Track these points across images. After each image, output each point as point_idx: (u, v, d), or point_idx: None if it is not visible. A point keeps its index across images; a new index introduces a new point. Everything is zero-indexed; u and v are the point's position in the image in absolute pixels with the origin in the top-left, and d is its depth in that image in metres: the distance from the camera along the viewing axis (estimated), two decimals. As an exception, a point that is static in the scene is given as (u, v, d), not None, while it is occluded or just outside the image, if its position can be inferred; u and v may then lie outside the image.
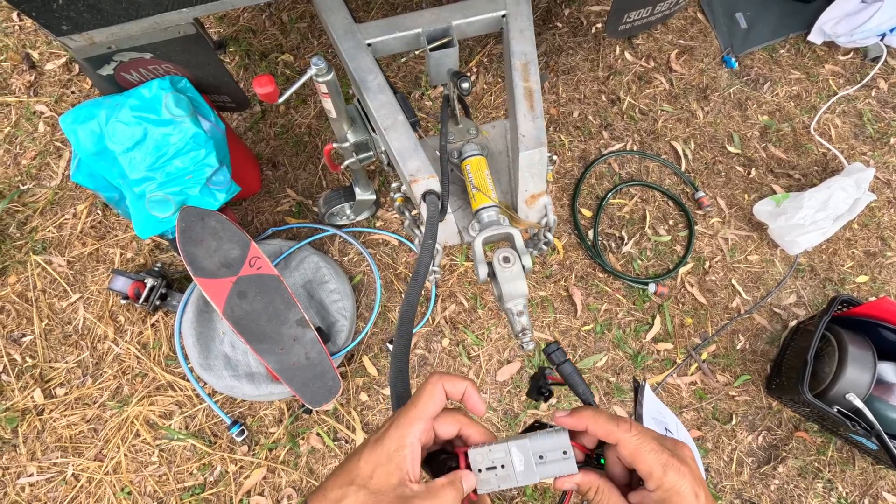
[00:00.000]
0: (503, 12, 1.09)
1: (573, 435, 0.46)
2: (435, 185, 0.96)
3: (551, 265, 1.60)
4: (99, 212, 1.65)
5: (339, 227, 1.63)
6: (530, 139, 0.98)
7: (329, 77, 1.00)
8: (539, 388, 0.57)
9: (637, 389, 0.64)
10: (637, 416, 0.61)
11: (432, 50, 1.06)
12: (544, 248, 1.13)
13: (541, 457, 0.45)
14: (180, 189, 1.29)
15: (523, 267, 0.94)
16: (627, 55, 1.88)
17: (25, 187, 1.67)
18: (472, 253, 0.98)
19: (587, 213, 1.66)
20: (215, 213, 1.35)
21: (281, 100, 0.96)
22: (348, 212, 1.59)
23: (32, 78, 1.81)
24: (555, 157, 1.11)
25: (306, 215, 1.66)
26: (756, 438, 1.46)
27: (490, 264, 0.94)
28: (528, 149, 0.97)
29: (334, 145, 1.20)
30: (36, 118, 1.76)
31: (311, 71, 0.97)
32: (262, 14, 1.91)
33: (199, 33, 1.13)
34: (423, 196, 0.96)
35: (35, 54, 1.85)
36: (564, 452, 0.44)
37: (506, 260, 0.93)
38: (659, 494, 0.40)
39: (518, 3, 1.10)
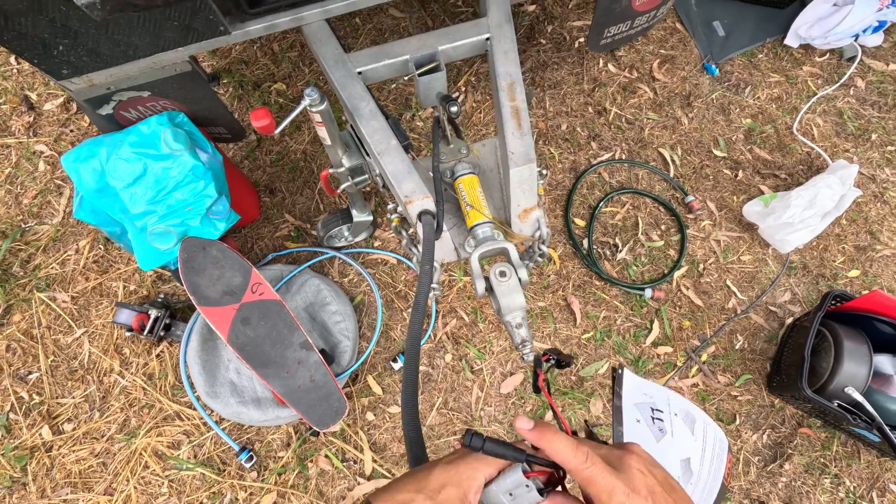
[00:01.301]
0: (487, 35, 1.14)
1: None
2: (430, 205, 0.99)
3: (548, 276, 1.63)
4: (101, 246, 1.68)
5: (338, 248, 1.65)
6: (519, 156, 1.01)
7: (322, 107, 1.03)
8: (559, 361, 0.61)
9: (615, 379, 0.66)
10: (615, 409, 0.63)
11: (421, 75, 1.10)
12: (540, 259, 1.16)
13: (510, 494, 0.49)
14: (181, 221, 1.32)
15: (520, 280, 0.96)
16: (611, 67, 1.93)
17: (27, 226, 1.69)
18: (470, 268, 1.01)
19: (581, 222, 1.70)
20: (216, 243, 1.37)
21: (277, 131, 1.00)
22: (346, 234, 1.62)
23: (31, 119, 1.85)
24: (545, 171, 1.15)
25: (305, 239, 1.69)
26: (761, 437, 1.47)
27: (487, 279, 0.97)
28: (517, 165, 1.00)
29: (330, 171, 1.23)
30: (36, 158, 1.80)
31: (305, 102, 1.01)
32: (253, 45, 1.96)
33: (194, 70, 1.17)
34: (419, 216, 0.98)
35: (33, 95, 1.89)
36: (527, 486, 0.48)
37: (502, 274, 0.95)
38: None
39: (501, 26, 1.14)
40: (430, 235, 0.94)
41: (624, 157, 1.78)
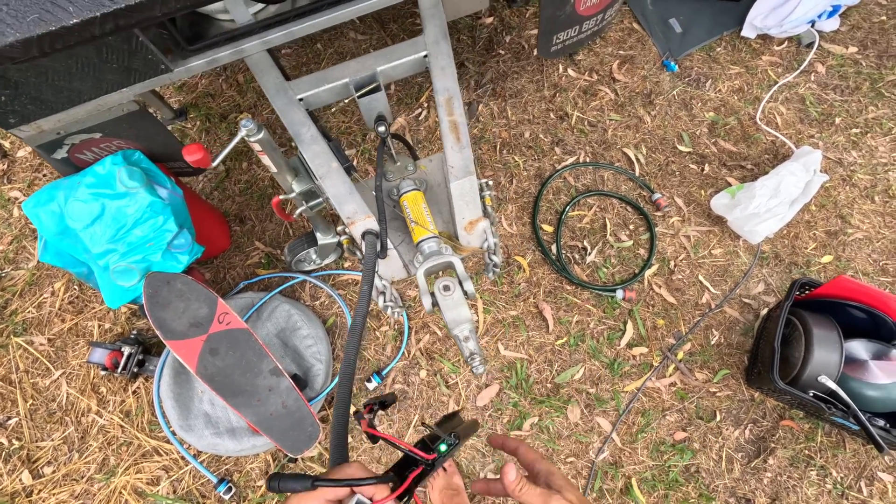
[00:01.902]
0: (424, 53, 1.15)
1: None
2: (372, 224, 0.99)
3: (519, 284, 1.63)
4: (76, 287, 1.69)
5: (307, 272, 1.66)
6: (459, 169, 1.02)
7: (261, 135, 1.05)
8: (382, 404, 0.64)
9: None
10: None
11: (360, 97, 1.12)
12: (496, 269, 1.16)
13: None
14: (143, 257, 1.33)
15: (465, 293, 0.96)
16: (571, 72, 1.94)
17: (3, 272, 1.71)
18: (418, 284, 1.01)
19: (548, 228, 1.69)
20: (180, 276, 1.38)
21: (214, 163, 1.01)
22: (314, 257, 1.63)
23: (5, 166, 1.89)
24: (490, 182, 1.15)
25: (276, 265, 1.70)
26: (743, 432, 1.45)
27: (433, 294, 0.97)
28: (457, 178, 1.01)
29: (281, 197, 1.24)
30: (10, 204, 1.83)
31: (241, 133, 1.02)
32: (218, 78, 2.00)
33: (142, 109, 1.19)
34: (362, 236, 0.99)
35: (6, 143, 1.93)
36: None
37: (446, 288, 0.95)
38: None
39: (437, 43, 1.15)
40: (371, 254, 0.94)
41: (588, 159, 1.79)
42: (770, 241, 1.65)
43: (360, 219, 0.99)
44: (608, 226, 1.69)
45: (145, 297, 1.34)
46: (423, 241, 1.04)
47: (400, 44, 1.16)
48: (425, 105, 1.90)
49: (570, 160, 1.79)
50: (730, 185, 1.73)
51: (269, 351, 1.39)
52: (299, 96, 1.12)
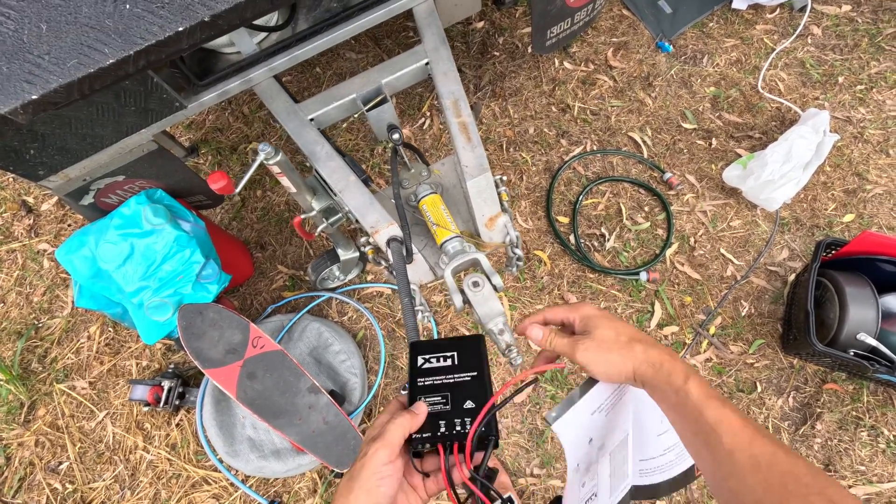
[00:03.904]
0: (426, 61, 1.18)
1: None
2: (396, 231, 1.02)
3: (541, 277, 1.63)
4: (110, 329, 1.74)
5: (332, 289, 1.69)
6: (473, 168, 1.04)
7: (278, 158, 1.08)
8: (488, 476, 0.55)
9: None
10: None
11: (368, 110, 1.15)
12: (519, 263, 1.17)
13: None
14: (174, 290, 1.37)
15: (494, 287, 0.97)
16: (567, 64, 1.96)
17: (41, 322, 1.77)
18: (446, 285, 1.02)
19: (564, 219, 1.70)
20: (212, 305, 1.42)
21: (237, 189, 1.04)
22: (337, 273, 1.66)
23: (31, 221, 1.95)
24: (504, 178, 1.17)
25: (301, 286, 1.73)
26: (787, 401, 1.43)
27: (463, 291, 0.98)
28: (473, 177, 1.03)
29: (302, 216, 1.27)
30: (41, 257, 1.88)
31: (260, 157, 1.06)
32: (224, 112, 2.05)
33: (160, 148, 1.23)
34: (388, 243, 1.01)
35: (30, 199, 2.00)
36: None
37: (475, 284, 0.97)
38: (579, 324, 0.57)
39: (437, 49, 1.18)
40: (399, 262, 0.96)
41: (595, 147, 1.80)
42: (788, 206, 1.64)
43: (383, 227, 1.01)
44: (623, 210, 1.70)
45: (180, 329, 1.38)
46: (446, 241, 1.06)
47: (401, 55, 1.19)
48: (428, 114, 1.94)
49: (578, 150, 1.80)
50: (740, 156, 1.73)
51: (305, 370, 1.41)
52: (310, 116, 1.16)
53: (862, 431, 1.37)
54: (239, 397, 1.35)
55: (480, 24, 2.07)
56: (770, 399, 1.43)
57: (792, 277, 1.54)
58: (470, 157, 1.05)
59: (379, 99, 1.15)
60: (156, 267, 1.32)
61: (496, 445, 0.52)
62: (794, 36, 1.89)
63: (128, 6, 0.56)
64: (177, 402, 1.53)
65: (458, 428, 0.51)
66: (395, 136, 1.03)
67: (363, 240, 1.18)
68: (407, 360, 1.56)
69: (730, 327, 1.52)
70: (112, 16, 0.56)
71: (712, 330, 1.52)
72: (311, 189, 1.26)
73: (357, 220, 1.12)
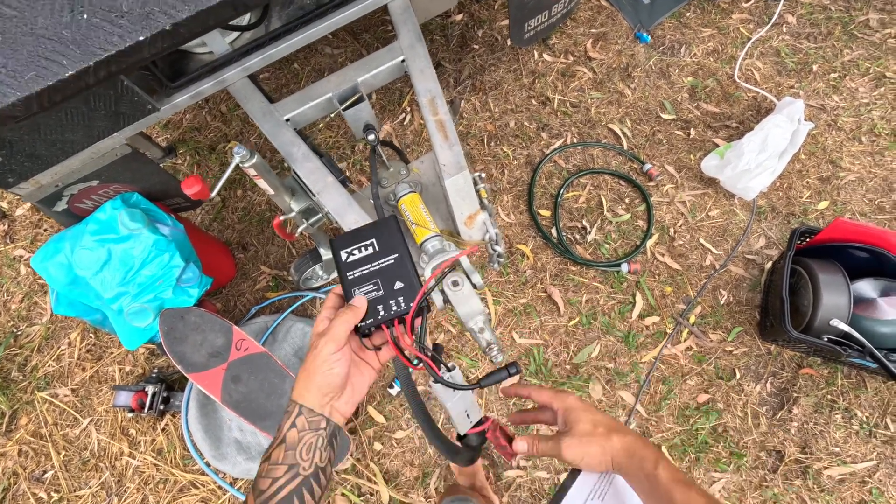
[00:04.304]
0: (402, 58, 1.17)
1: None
2: (375, 231, 1.01)
3: (524, 271, 1.65)
4: (91, 335, 1.72)
5: (316, 289, 1.68)
6: (451, 166, 1.04)
7: (254, 160, 1.07)
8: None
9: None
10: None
11: (345, 109, 1.14)
12: (500, 259, 1.18)
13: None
14: (154, 295, 1.35)
15: (474, 286, 0.98)
16: (546, 56, 1.96)
17: (19, 330, 1.74)
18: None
19: (546, 213, 1.71)
20: (194, 309, 1.40)
21: (213, 193, 1.03)
22: (320, 272, 1.65)
23: (6, 226, 1.91)
24: (483, 175, 1.17)
25: (284, 286, 1.72)
26: (764, 386, 1.46)
27: (443, 291, 0.99)
28: (451, 175, 1.03)
29: (282, 217, 1.26)
30: (17, 263, 1.85)
31: (235, 160, 1.04)
32: (202, 111, 2.02)
33: (135, 151, 1.21)
34: (367, 244, 1.01)
35: (4, 204, 1.95)
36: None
37: (455, 283, 0.97)
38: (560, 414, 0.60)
39: (413, 46, 1.17)
40: None
41: (575, 140, 1.81)
42: (765, 195, 1.67)
43: (362, 228, 1.01)
44: (604, 202, 1.71)
45: (162, 335, 1.37)
46: (426, 241, 1.06)
47: (376, 52, 1.18)
48: (408, 109, 1.92)
49: (558, 143, 1.81)
50: (717, 146, 1.75)
51: (290, 371, 1.41)
52: (286, 117, 1.14)
53: (836, 414, 1.41)
54: (224, 401, 1.35)
55: (459, 17, 2.06)
56: (749, 385, 1.47)
57: (769, 265, 1.58)
58: (447, 156, 1.04)
59: (355, 98, 1.14)
60: (134, 272, 1.31)
61: (428, 311, 0.61)
62: (770, 25, 1.91)
63: (85, 16, 0.54)
64: (161, 407, 1.52)
65: (395, 308, 0.58)
66: (371, 136, 1.02)
67: (343, 240, 1.17)
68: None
69: (709, 316, 1.55)
70: (69, 26, 0.54)
71: (692, 319, 1.55)
72: (289, 190, 1.25)
73: (336, 221, 1.11)
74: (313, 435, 0.52)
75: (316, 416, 0.52)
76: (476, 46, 2.00)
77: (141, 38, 0.58)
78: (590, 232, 1.67)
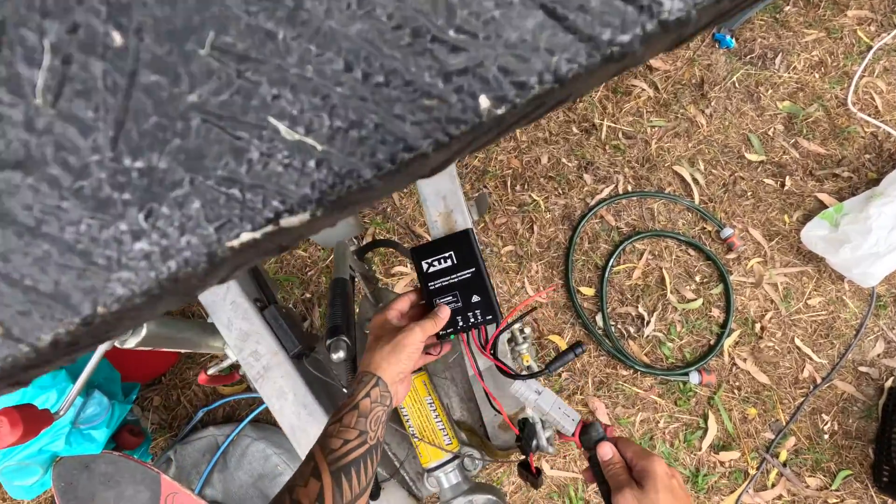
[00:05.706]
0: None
1: None
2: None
3: (559, 375, 1.24)
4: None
5: (282, 392, 1.28)
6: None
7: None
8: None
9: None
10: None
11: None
12: (550, 450, 0.77)
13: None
14: (39, 448, 0.95)
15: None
16: (592, 63, 1.46)
17: None
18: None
19: (588, 291, 1.29)
20: (104, 454, 1.01)
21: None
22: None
23: None
24: (526, 331, 0.74)
25: (242, 380, 1.31)
26: (877, 553, 1.11)
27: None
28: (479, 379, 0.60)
29: (210, 371, 0.84)
30: None
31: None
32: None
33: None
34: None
35: None
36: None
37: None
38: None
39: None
40: None
41: (629, 187, 1.35)
42: (887, 279, 1.24)
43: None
44: (667, 279, 1.28)
45: (58, 493, 0.98)
46: (437, 467, 0.64)
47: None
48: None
49: (606, 190, 1.35)
50: (822, 204, 1.31)
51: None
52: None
53: None
54: (148, 588, 0.98)
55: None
56: (856, 552, 1.11)
57: (888, 383, 1.18)
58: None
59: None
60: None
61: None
62: (898, 28, 1.41)
63: None
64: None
65: (472, 320, 0.58)
66: (340, 354, 0.59)
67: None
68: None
69: (806, 451, 1.17)
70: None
71: (783, 455, 1.16)
72: (211, 334, 0.81)
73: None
74: (381, 409, 0.51)
75: (387, 392, 0.52)
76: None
77: None
78: (647, 322, 1.25)
